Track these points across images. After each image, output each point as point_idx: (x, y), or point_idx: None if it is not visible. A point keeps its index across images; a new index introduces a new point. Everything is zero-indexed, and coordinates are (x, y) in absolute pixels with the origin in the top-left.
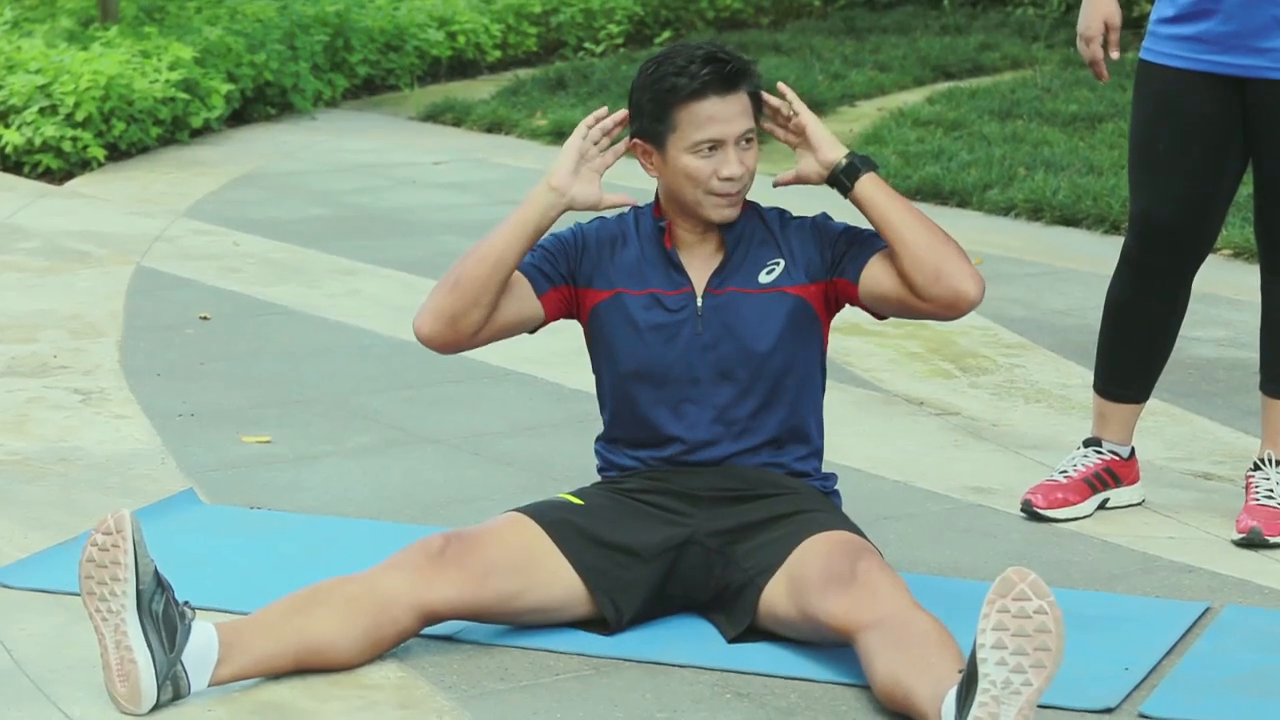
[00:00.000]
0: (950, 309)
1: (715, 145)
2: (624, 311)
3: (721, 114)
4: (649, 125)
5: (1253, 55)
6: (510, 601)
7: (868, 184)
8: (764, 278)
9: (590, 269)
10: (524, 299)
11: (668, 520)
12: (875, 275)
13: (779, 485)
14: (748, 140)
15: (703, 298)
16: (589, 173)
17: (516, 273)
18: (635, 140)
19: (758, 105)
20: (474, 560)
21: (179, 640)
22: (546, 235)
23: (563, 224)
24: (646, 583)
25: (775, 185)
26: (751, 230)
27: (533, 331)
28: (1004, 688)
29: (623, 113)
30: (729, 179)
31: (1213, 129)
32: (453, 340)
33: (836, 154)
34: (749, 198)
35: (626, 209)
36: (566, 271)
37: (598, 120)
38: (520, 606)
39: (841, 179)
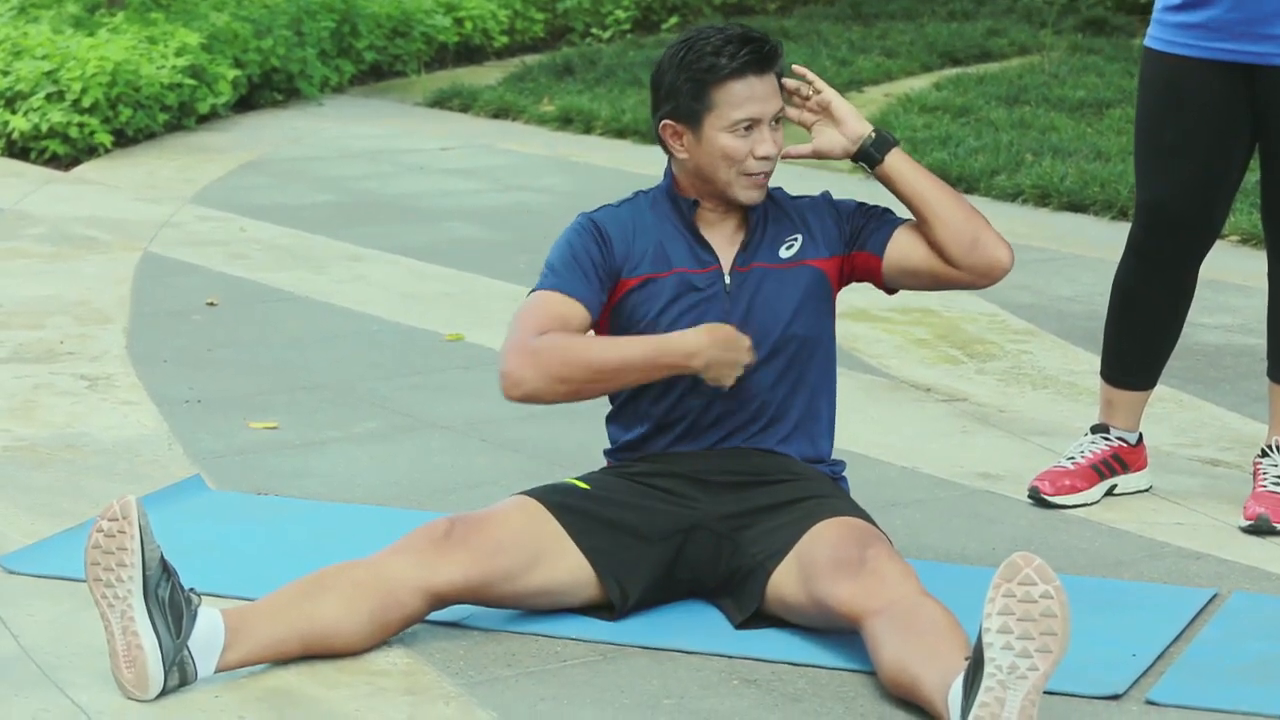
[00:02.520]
0: (985, 276)
1: (752, 124)
2: (651, 296)
3: (759, 93)
4: (686, 104)
5: (1260, 42)
6: (515, 581)
7: (897, 157)
8: (784, 253)
9: (621, 259)
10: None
11: (676, 504)
12: (902, 248)
13: (788, 471)
14: (777, 121)
15: (730, 275)
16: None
17: (579, 307)
18: (666, 122)
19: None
20: (480, 541)
21: (185, 626)
22: (577, 249)
23: (570, 210)
24: (653, 566)
25: (785, 158)
26: (770, 207)
27: None
28: (1010, 672)
29: None
30: (765, 158)
31: (1220, 117)
32: (544, 401)
33: (864, 128)
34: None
35: (630, 195)
36: (608, 274)
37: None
38: (526, 588)
39: (871, 152)
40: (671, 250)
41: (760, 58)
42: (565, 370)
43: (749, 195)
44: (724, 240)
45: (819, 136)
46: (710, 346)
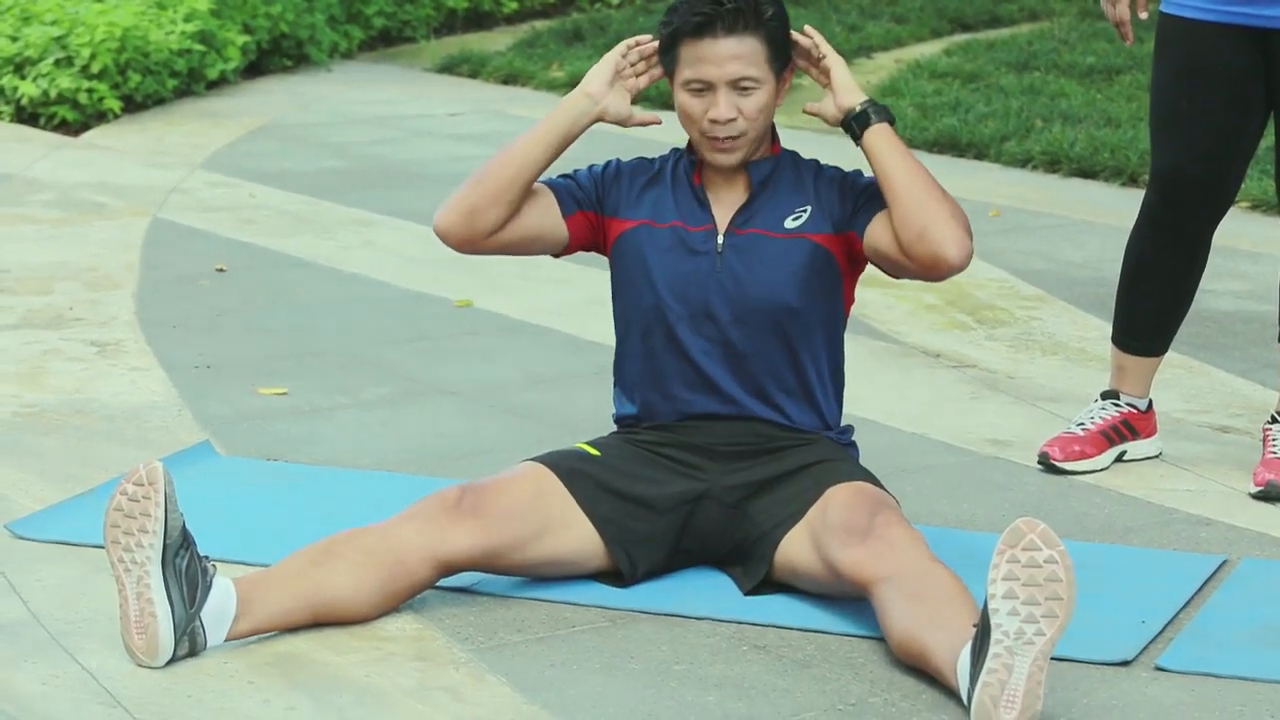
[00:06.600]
0: (930, 269)
1: (705, 86)
2: (646, 242)
3: (713, 56)
4: (663, 56)
5: (1276, 5)
6: (525, 550)
7: (875, 134)
8: (790, 223)
9: (618, 198)
10: (548, 211)
11: (684, 474)
12: (876, 231)
13: (796, 438)
14: (745, 87)
15: (724, 236)
16: (622, 89)
17: (545, 187)
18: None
19: (783, 49)
20: (490, 510)
21: (200, 597)
22: (583, 168)
23: (601, 153)
24: (661, 536)
25: (804, 111)
26: (781, 175)
27: (556, 255)
28: (1017, 638)
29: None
30: (715, 121)
31: (1236, 83)
32: (469, 236)
33: (852, 100)
34: (790, 146)
35: (671, 149)
36: (596, 198)
37: (638, 44)
38: (535, 557)
39: (852, 125)
40: (675, 203)
41: (721, 17)
42: (474, 177)
43: (714, 159)
44: (726, 201)
45: (825, 99)
46: (591, 75)
